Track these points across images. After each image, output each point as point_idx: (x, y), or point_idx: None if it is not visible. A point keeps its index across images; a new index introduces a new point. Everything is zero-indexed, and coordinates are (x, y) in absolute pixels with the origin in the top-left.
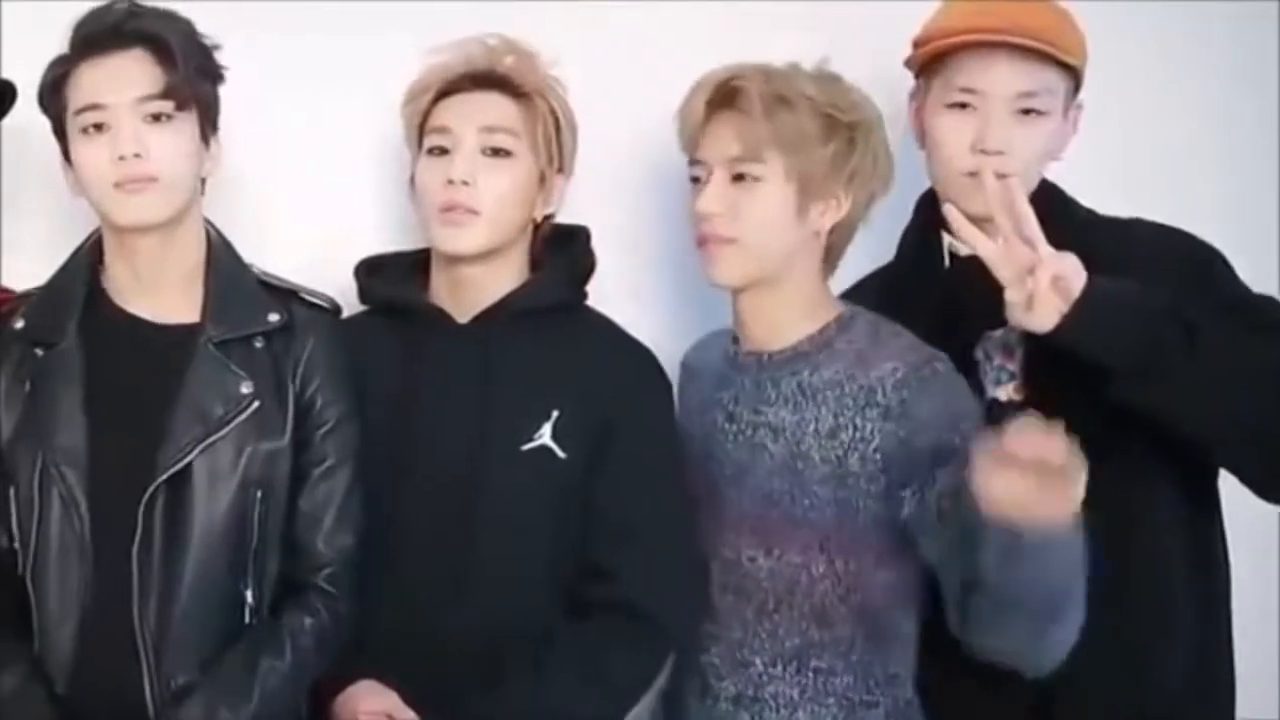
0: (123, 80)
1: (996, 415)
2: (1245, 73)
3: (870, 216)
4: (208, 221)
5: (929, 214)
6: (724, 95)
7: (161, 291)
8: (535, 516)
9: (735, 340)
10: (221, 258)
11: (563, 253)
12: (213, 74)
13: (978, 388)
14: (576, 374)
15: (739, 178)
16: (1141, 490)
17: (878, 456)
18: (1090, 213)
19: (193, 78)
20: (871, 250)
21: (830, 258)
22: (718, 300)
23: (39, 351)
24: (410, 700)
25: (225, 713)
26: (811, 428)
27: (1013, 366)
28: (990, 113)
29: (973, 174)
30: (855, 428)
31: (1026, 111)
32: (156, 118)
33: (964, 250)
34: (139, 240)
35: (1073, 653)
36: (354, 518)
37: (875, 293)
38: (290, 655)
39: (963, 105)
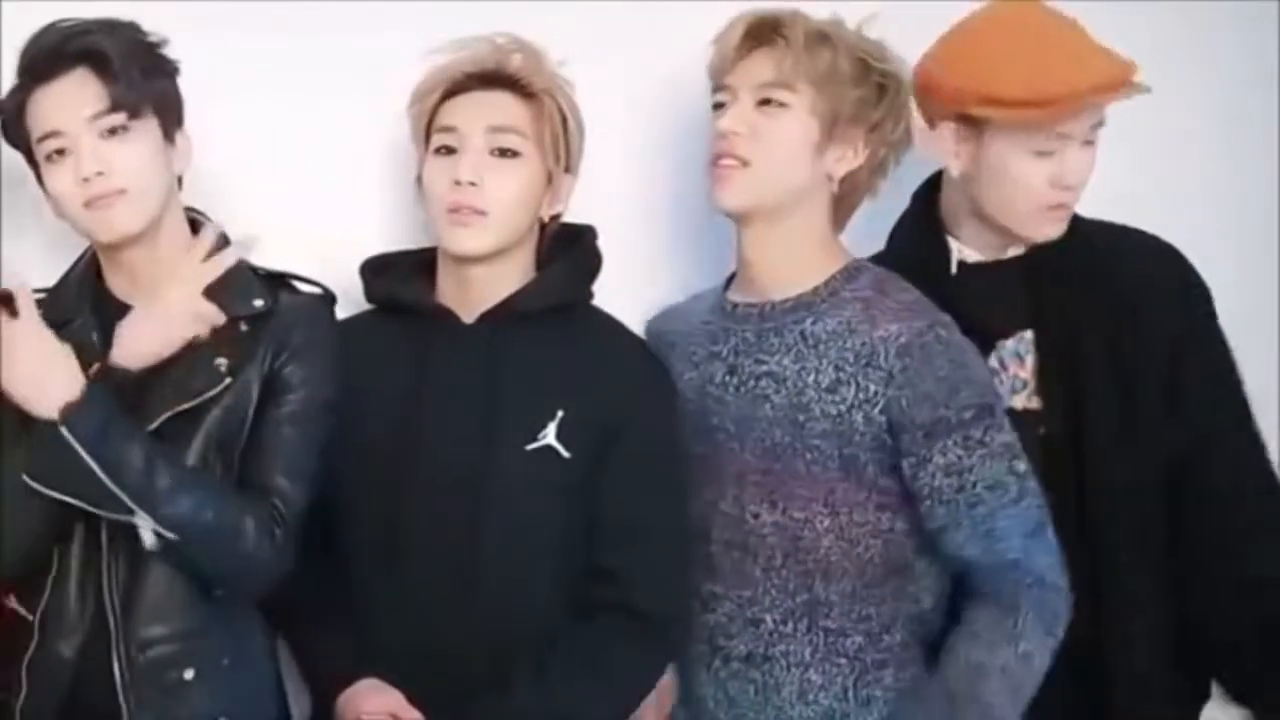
0: (71, 103)
1: (1015, 423)
2: (1245, 73)
3: (878, 189)
4: (199, 213)
5: (933, 213)
6: (764, 28)
7: (159, 289)
8: (540, 516)
9: (726, 292)
10: (217, 248)
11: (569, 252)
12: (162, 71)
13: None
14: (581, 374)
15: (765, 102)
16: (1151, 488)
17: (883, 419)
18: (1085, 220)
19: (139, 84)
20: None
21: (839, 211)
22: None
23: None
24: (414, 700)
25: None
26: (812, 379)
27: (1025, 375)
28: (1068, 150)
29: (1055, 207)
30: (858, 386)
31: (1093, 139)
32: (113, 131)
33: (972, 257)
34: (124, 253)
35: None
36: (300, 470)
37: None
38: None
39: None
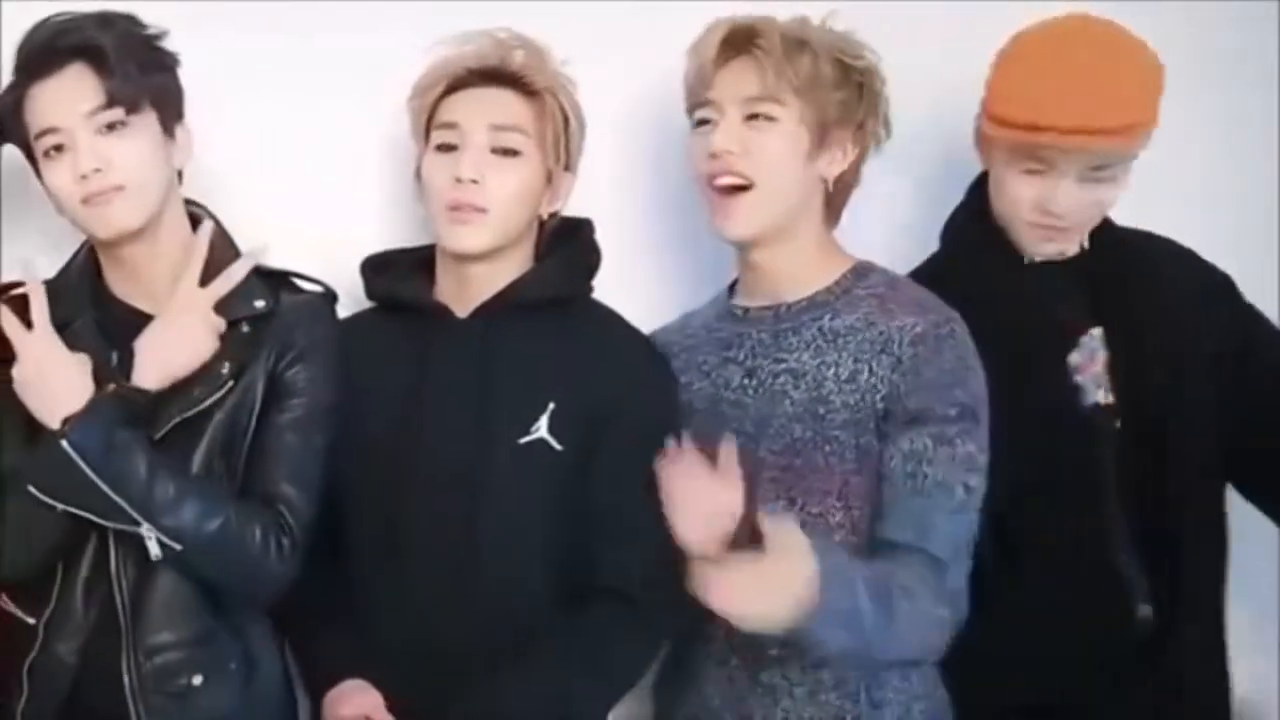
0: (68, 99)
1: (1097, 418)
2: (1245, 73)
3: (861, 179)
4: (200, 206)
5: (991, 213)
6: (741, 37)
7: (157, 287)
8: (534, 512)
9: (732, 299)
10: (215, 246)
11: (566, 246)
12: (161, 65)
13: (1074, 391)
14: (572, 366)
15: (752, 117)
16: (1208, 483)
17: (882, 407)
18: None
19: (136, 78)
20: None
21: (831, 208)
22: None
23: None
24: (414, 700)
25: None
26: (832, 372)
27: (1100, 370)
28: (1060, 182)
29: (1041, 227)
30: (871, 371)
31: (1097, 179)
32: (111, 127)
33: (1038, 255)
34: (124, 249)
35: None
36: (306, 479)
37: (929, 283)
38: (230, 507)
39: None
